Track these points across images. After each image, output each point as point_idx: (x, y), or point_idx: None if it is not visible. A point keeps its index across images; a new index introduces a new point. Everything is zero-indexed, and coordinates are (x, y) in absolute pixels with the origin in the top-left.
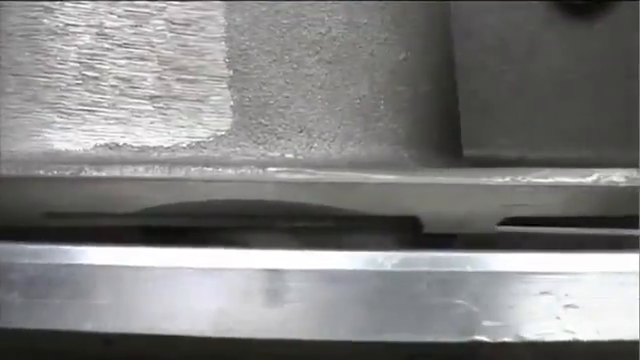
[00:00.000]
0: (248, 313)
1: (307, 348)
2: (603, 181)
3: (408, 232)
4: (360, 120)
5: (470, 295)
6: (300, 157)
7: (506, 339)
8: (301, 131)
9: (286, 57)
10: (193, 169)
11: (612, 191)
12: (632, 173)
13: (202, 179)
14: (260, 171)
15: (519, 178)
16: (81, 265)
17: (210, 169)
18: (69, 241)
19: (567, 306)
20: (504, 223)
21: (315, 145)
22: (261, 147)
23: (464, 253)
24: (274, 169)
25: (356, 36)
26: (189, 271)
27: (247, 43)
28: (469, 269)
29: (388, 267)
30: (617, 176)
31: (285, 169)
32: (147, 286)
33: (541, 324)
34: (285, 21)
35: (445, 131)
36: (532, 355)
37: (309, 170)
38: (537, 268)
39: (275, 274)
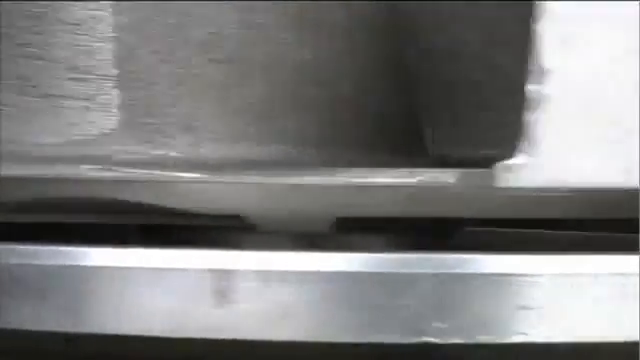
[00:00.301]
0: (197, 313)
1: (257, 349)
2: (430, 181)
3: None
4: (252, 120)
5: (420, 296)
6: (186, 156)
7: (457, 340)
8: (188, 130)
9: (174, 56)
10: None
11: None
12: (466, 174)
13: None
14: (72, 168)
15: (340, 177)
16: (34, 265)
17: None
18: (25, 240)
19: (521, 307)
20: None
21: (203, 144)
22: (146, 145)
23: (415, 254)
24: (87, 167)
25: (251, 36)
26: (140, 271)
27: (135, 43)
28: (419, 270)
29: (337, 268)
30: (447, 176)
31: (96, 167)
32: (99, 286)
33: (495, 325)
34: (173, 20)
35: (362, 131)
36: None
37: (123, 169)
38: (494, 269)
39: (223, 274)
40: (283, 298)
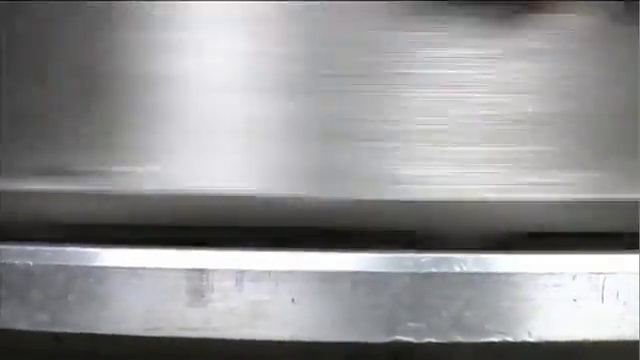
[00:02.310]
0: (173, 312)
1: (233, 347)
2: None
3: None
4: None
5: (394, 296)
6: None
7: (432, 340)
8: None
9: None
10: None
11: None
12: None
13: None
14: None
15: None
16: (14, 265)
17: None
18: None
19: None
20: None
21: None
22: None
23: (392, 254)
24: None
25: None
26: (119, 270)
27: None
28: (391, 269)
29: (310, 267)
30: None
31: None
32: (80, 285)
33: (476, 326)
34: None
35: None
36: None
37: None
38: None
39: (199, 273)
40: (258, 297)
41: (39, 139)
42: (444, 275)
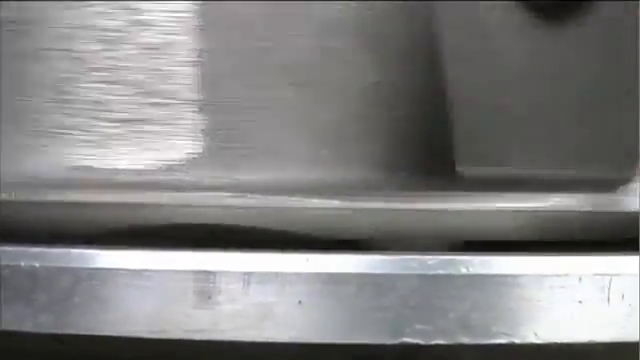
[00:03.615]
0: (180, 314)
1: (240, 350)
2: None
3: None
4: (330, 143)
5: (400, 298)
6: (274, 180)
7: (439, 341)
8: (271, 154)
9: (254, 81)
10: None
11: None
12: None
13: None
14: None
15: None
16: (20, 266)
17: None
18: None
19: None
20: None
21: (287, 168)
22: (232, 170)
23: (398, 255)
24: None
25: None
26: (125, 272)
27: (215, 67)
28: (398, 271)
29: (317, 269)
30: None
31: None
32: (86, 287)
33: (483, 328)
34: (253, 45)
35: (428, 153)
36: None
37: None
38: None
39: (206, 275)
40: (265, 299)
41: None
42: (450, 277)
